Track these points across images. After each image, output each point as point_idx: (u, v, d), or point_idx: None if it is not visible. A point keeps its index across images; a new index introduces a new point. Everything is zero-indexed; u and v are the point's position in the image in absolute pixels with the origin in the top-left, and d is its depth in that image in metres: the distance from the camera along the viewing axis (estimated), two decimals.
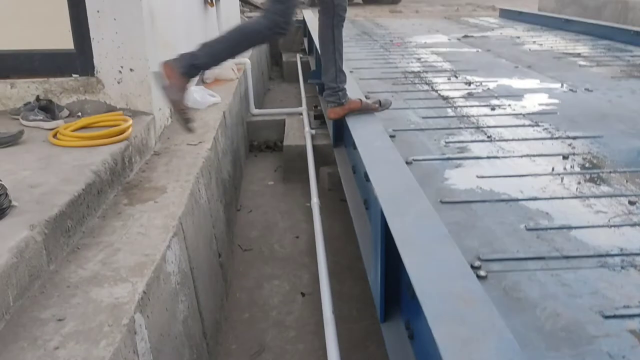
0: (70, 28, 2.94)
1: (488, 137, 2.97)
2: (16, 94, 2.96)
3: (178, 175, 2.68)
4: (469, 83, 4.29)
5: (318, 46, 3.09)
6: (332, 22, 2.90)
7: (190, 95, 3.98)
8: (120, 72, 2.99)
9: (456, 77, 4.56)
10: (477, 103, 3.68)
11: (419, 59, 5.50)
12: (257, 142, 5.59)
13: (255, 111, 5.65)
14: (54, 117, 2.77)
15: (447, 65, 5.10)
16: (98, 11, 2.88)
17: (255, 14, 10.77)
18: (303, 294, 3.08)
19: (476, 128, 3.12)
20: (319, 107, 5.24)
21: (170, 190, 2.50)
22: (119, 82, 3.01)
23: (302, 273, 3.31)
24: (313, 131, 4.82)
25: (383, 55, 5.76)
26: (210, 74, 4.93)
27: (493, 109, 3.53)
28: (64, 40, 2.96)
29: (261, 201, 4.41)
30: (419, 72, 4.80)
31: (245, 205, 4.30)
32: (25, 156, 2.37)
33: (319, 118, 5.12)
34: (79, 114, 2.98)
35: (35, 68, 2.98)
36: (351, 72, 4.72)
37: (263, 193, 4.59)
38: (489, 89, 4.10)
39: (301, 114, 5.49)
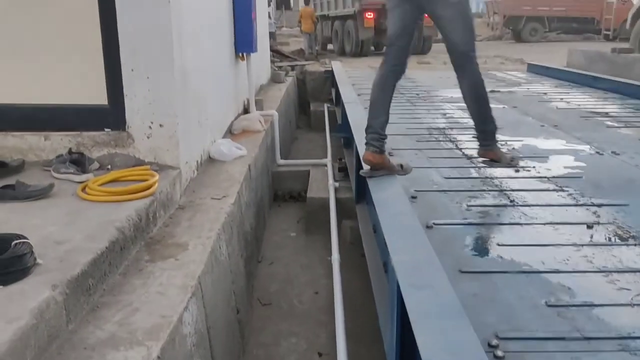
0: (105, 85, 3.06)
1: (511, 201, 2.95)
2: (49, 146, 3.07)
3: (200, 232, 2.71)
4: None
5: (374, 92, 3.10)
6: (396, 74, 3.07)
7: (217, 147, 4.08)
8: (150, 127, 3.09)
9: None
10: (501, 163, 3.66)
11: (445, 114, 5.54)
12: (282, 191, 5.65)
13: (281, 161, 5.73)
14: (84, 171, 2.86)
15: (472, 122, 5.11)
16: (132, 70, 3.01)
17: (289, 62, 11.01)
18: (320, 354, 3.05)
19: (499, 191, 3.11)
20: (343, 160, 5.30)
21: (192, 247, 2.53)
22: (148, 137, 3.10)
23: (320, 331, 3.28)
24: (337, 184, 4.86)
25: (409, 110, 5.82)
26: (238, 125, 5.05)
27: (517, 170, 3.51)
28: (98, 96, 3.08)
29: (282, 253, 4.42)
30: (444, 128, 4.83)
31: (266, 257, 4.31)
32: (53, 210, 2.45)
33: (342, 170, 5.17)
34: (109, 166, 3.07)
35: (69, 122, 3.10)
36: None
37: (285, 244, 4.60)
38: (514, 148, 4.09)
39: (326, 165, 5.54)
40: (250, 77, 5.69)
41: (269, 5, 21.76)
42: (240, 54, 5.42)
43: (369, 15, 14.16)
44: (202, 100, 3.82)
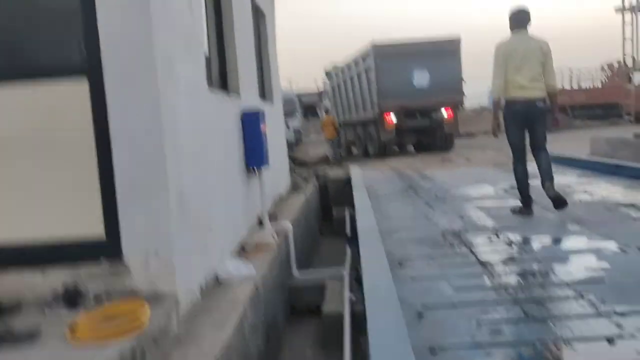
0: (102, 216, 3.07)
1: (525, 313, 2.73)
2: (46, 282, 3.02)
3: None
4: (511, 243, 4.10)
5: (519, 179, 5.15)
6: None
7: (224, 268, 3.99)
8: (146, 257, 3.04)
9: (497, 236, 4.38)
10: (517, 269, 3.48)
11: (462, 216, 5.38)
12: (300, 305, 5.45)
13: (297, 273, 5.59)
14: (77, 306, 2.79)
15: (489, 222, 4.96)
16: (128, 201, 3.02)
17: (302, 171, 11.17)
18: None
19: (513, 302, 2.90)
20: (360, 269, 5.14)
21: None
22: (144, 268, 3.05)
23: None
24: (353, 296, 4.65)
25: (425, 213, 5.71)
26: (250, 241, 4.99)
27: (534, 276, 3.31)
28: (95, 228, 3.08)
29: None
30: (459, 231, 4.67)
31: None
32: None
33: (359, 281, 4.99)
34: (104, 299, 3.00)
35: (66, 255, 3.08)
36: (390, 234, 4.68)
37: None
38: (531, 250, 3.90)
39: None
40: (264, 190, 5.70)
41: (295, 115, 22.57)
42: (252, 168, 5.47)
43: (389, 117, 14.46)
44: (207, 220, 3.79)
